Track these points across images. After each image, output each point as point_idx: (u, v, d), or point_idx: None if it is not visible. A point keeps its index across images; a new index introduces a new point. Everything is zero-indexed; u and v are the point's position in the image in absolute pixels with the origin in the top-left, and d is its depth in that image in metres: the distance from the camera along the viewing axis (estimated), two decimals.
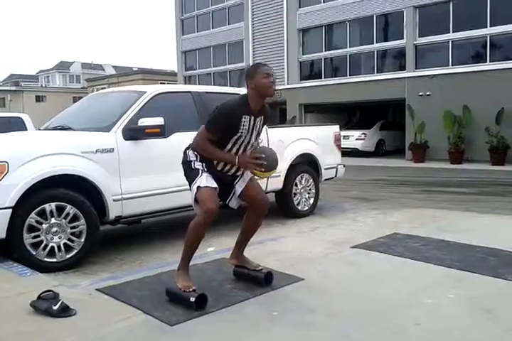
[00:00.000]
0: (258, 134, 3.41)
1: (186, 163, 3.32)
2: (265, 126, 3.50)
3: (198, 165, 3.25)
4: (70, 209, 4.08)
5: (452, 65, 16.73)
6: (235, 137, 3.23)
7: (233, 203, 3.42)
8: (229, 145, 3.27)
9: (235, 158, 3.23)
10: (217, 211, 3.08)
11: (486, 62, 16.08)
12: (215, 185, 3.18)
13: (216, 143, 3.23)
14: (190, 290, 3.04)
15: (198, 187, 3.14)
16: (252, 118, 3.25)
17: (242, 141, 3.28)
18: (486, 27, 15.89)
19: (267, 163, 3.24)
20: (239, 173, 3.37)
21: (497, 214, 6.33)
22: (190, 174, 3.26)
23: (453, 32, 16.64)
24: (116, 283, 3.52)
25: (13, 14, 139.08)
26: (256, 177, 3.40)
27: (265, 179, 5.75)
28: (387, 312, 2.95)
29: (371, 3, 18.62)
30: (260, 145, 3.54)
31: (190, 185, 3.24)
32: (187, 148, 3.36)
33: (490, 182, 10.93)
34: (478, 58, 16.47)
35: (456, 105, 15.63)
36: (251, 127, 3.26)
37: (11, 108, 40.40)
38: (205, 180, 3.15)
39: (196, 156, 3.28)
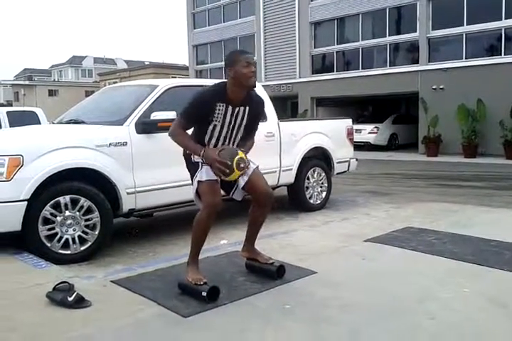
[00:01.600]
0: (247, 127, 3.29)
1: (186, 156, 3.30)
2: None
3: (197, 158, 3.20)
4: (84, 202, 4.11)
5: (466, 58, 16.54)
6: (210, 127, 3.16)
7: (237, 195, 3.40)
8: (207, 137, 3.20)
9: (200, 150, 3.09)
10: (219, 203, 3.07)
11: (500, 55, 15.87)
12: (215, 177, 3.14)
13: (195, 134, 3.21)
14: (202, 282, 3.05)
15: (199, 182, 3.11)
16: (230, 107, 3.15)
17: (220, 132, 3.19)
18: (501, 19, 15.67)
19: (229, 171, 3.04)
20: None
21: (511, 208, 6.26)
22: (191, 168, 3.24)
23: (467, 25, 16.43)
24: (130, 275, 3.55)
25: (27, 9, 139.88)
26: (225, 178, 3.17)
27: (277, 173, 5.76)
28: (401, 306, 2.94)
29: None
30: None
31: (191, 178, 3.22)
32: None
33: (504, 176, 10.81)
34: (493, 51, 16.26)
35: (470, 99, 15.46)
36: (229, 116, 3.16)
37: (25, 102, 40.68)
38: (206, 174, 3.12)
39: None
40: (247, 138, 3.39)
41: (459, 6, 16.49)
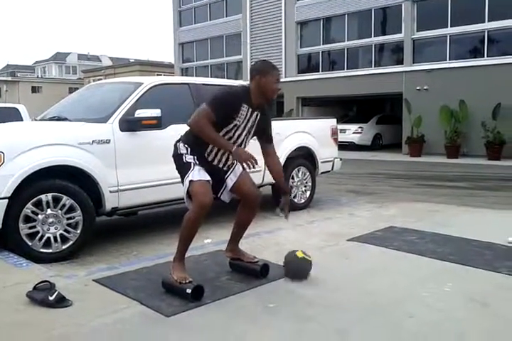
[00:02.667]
0: (262, 132, 3.37)
1: (177, 156, 3.27)
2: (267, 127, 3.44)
3: (189, 158, 3.19)
4: (66, 200, 4.07)
5: (450, 60, 16.72)
6: (230, 126, 3.18)
7: (225, 197, 3.40)
8: (221, 134, 3.21)
9: (232, 146, 3.14)
10: (210, 204, 3.06)
11: (483, 57, 16.07)
12: (207, 177, 3.14)
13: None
14: (186, 281, 3.04)
15: (191, 181, 3.10)
16: (250, 109, 3.23)
17: (234, 133, 3.22)
18: (484, 22, 15.86)
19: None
20: (229, 163, 3.32)
21: (493, 208, 6.35)
22: (182, 168, 3.22)
23: (451, 26, 16.61)
24: (112, 273, 3.52)
25: (10, 5, 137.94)
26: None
27: (261, 172, 5.76)
28: (383, 305, 2.96)
29: None
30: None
31: (182, 179, 3.20)
32: (177, 141, 3.32)
33: (486, 176, 10.96)
34: (476, 53, 16.46)
35: (453, 100, 15.63)
36: (247, 118, 3.23)
37: (7, 98, 40.20)
38: (198, 174, 3.12)
39: (187, 149, 3.23)
40: (270, 148, 3.46)
41: (443, 8, 16.65)
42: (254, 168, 3.14)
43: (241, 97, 3.19)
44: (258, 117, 3.31)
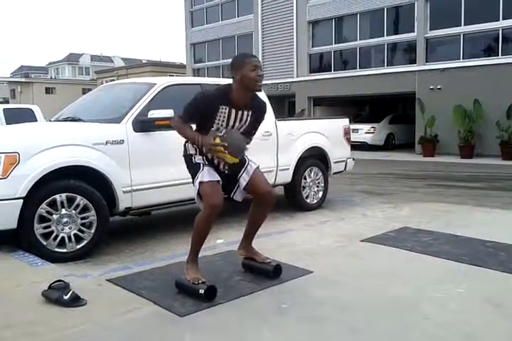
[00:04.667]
0: (249, 130, 3.29)
1: (187, 157, 3.28)
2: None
3: (198, 159, 3.20)
4: (81, 200, 4.10)
5: (463, 59, 16.56)
6: (213, 129, 3.14)
7: (238, 196, 3.38)
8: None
9: (198, 136, 3.07)
10: (221, 205, 3.06)
11: (497, 55, 15.90)
12: (217, 178, 3.14)
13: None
14: (200, 282, 3.05)
15: (201, 183, 3.09)
16: (233, 110, 3.14)
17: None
18: (499, 20, 15.69)
19: (231, 150, 3.01)
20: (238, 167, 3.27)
21: (507, 209, 6.28)
22: (192, 169, 3.22)
23: (464, 25, 16.44)
24: (126, 273, 3.54)
25: (24, 6, 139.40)
26: (226, 161, 3.17)
27: (273, 172, 5.76)
28: (396, 306, 2.95)
29: None
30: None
31: (192, 179, 3.20)
32: (186, 141, 3.31)
33: (501, 177, 10.84)
34: (490, 52, 16.28)
35: (466, 99, 15.49)
36: (232, 119, 3.16)
37: (21, 99, 40.63)
38: (207, 175, 3.11)
39: (196, 150, 3.23)
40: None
41: (456, 7, 16.50)
42: (223, 154, 3.01)
43: (215, 100, 3.10)
44: (249, 116, 3.22)
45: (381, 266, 3.76)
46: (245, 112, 3.20)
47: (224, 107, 3.12)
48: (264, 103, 3.37)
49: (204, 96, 3.16)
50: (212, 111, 3.11)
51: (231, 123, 3.17)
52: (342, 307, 2.92)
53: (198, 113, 3.12)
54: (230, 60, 3.22)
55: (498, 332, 2.60)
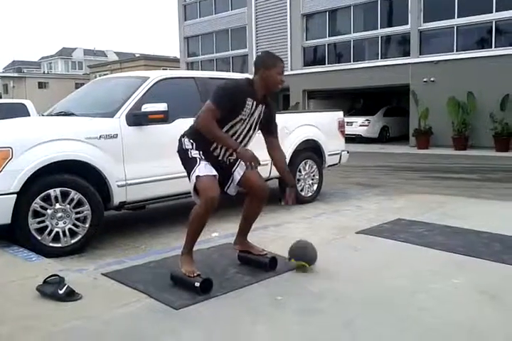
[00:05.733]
0: (266, 126, 3.35)
1: (182, 152, 3.26)
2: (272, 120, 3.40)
3: (195, 153, 3.19)
4: (75, 195, 4.08)
5: (457, 51, 16.58)
6: (235, 120, 3.16)
7: (231, 190, 3.39)
8: (225, 130, 3.18)
9: (238, 145, 3.11)
10: (218, 199, 3.06)
11: (491, 47, 15.93)
12: (214, 172, 3.14)
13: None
14: (195, 275, 3.05)
15: (198, 177, 3.09)
16: (255, 102, 3.20)
17: (239, 128, 3.20)
18: (492, 12, 15.70)
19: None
20: (235, 157, 3.29)
21: (502, 200, 6.31)
22: (188, 163, 3.21)
23: (458, 17, 16.45)
24: (121, 267, 3.54)
25: (15, 0, 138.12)
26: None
27: (268, 166, 5.74)
28: (392, 297, 2.96)
29: None
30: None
31: (188, 174, 3.19)
32: (182, 136, 3.30)
33: (494, 168, 10.89)
34: (483, 44, 16.31)
35: (460, 91, 15.53)
36: (252, 112, 3.21)
37: (14, 94, 40.39)
38: (204, 169, 3.11)
39: (192, 144, 3.22)
40: (275, 141, 3.43)
41: None
42: (256, 168, 3.13)
43: (245, 91, 3.16)
44: (263, 110, 3.29)
45: (376, 257, 3.77)
46: (262, 106, 3.27)
47: (250, 99, 3.17)
48: (273, 102, 3.44)
49: (236, 84, 3.20)
50: (243, 102, 3.14)
51: (250, 115, 3.22)
52: (338, 299, 2.93)
53: (230, 102, 3.09)
54: (260, 55, 3.32)
55: (494, 323, 2.61)
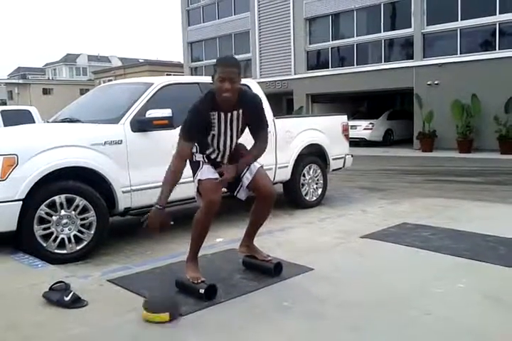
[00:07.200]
0: (251, 129, 3.29)
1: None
2: (266, 118, 3.33)
3: (199, 157, 3.21)
4: (80, 201, 4.10)
5: (461, 54, 16.57)
6: (209, 137, 3.17)
7: (241, 195, 3.39)
8: (210, 148, 3.24)
9: (161, 201, 3.12)
10: (219, 201, 3.06)
11: (495, 50, 15.90)
12: (216, 175, 3.14)
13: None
14: (199, 281, 3.05)
15: (200, 180, 3.11)
16: (222, 114, 3.12)
17: (219, 141, 3.21)
18: (495, 14, 15.70)
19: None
20: (234, 159, 3.30)
21: (507, 203, 6.29)
22: (192, 167, 3.24)
23: (461, 20, 16.45)
24: (126, 274, 3.54)
25: (20, 7, 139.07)
26: None
27: (272, 170, 5.75)
28: (397, 302, 2.95)
29: None
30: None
31: (193, 177, 3.23)
32: None
33: (499, 171, 10.85)
34: (487, 46, 16.29)
35: (464, 94, 15.50)
36: (223, 124, 3.15)
37: (19, 101, 40.60)
38: (206, 172, 3.13)
39: (196, 148, 3.24)
40: (258, 141, 3.32)
41: (453, 1, 16.50)
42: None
43: (204, 107, 3.08)
44: (240, 115, 3.19)
45: (381, 262, 3.76)
46: (234, 113, 3.17)
47: (213, 113, 3.11)
48: (258, 98, 3.28)
49: (194, 107, 3.11)
50: (206, 119, 3.09)
51: (222, 127, 3.16)
52: (343, 304, 2.92)
53: (195, 125, 3.08)
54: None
55: (499, 327, 2.60)
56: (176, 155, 3.11)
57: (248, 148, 3.38)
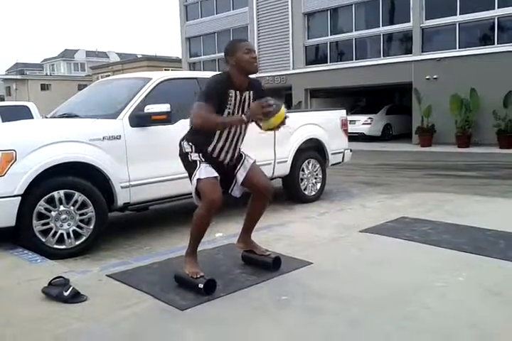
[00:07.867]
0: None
1: (183, 156, 3.25)
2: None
3: (195, 156, 3.18)
4: (79, 197, 4.10)
5: (459, 48, 16.54)
6: (224, 114, 3.15)
7: (236, 192, 3.38)
8: (215, 136, 3.19)
9: (242, 118, 3.04)
10: (220, 200, 3.05)
11: (493, 44, 15.88)
12: (215, 174, 3.13)
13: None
14: (198, 276, 3.05)
15: (198, 180, 3.08)
16: (238, 92, 3.18)
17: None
18: (494, 8, 15.66)
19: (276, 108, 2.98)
20: (235, 157, 3.30)
21: (506, 197, 6.29)
22: (189, 167, 3.21)
23: (460, 14, 16.41)
24: (125, 268, 3.54)
25: (18, 3, 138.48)
26: (260, 131, 3.23)
27: (271, 165, 5.75)
28: (396, 296, 2.95)
29: None
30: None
31: (190, 177, 3.19)
32: (182, 140, 3.29)
33: (498, 165, 10.86)
34: (486, 40, 16.26)
35: (463, 88, 15.48)
36: (238, 102, 3.19)
37: (17, 96, 40.52)
38: (205, 171, 3.10)
39: (191, 147, 3.21)
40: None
41: None
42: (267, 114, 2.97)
43: (226, 84, 3.13)
44: (251, 96, 3.24)
45: (380, 256, 3.76)
46: (247, 93, 3.23)
47: (232, 91, 3.15)
48: (258, 80, 3.40)
49: (215, 79, 3.17)
50: (225, 94, 3.13)
51: (238, 106, 3.19)
52: (342, 298, 2.92)
53: (217, 96, 3.08)
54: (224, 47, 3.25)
55: (499, 321, 2.61)
56: (199, 113, 3.00)
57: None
